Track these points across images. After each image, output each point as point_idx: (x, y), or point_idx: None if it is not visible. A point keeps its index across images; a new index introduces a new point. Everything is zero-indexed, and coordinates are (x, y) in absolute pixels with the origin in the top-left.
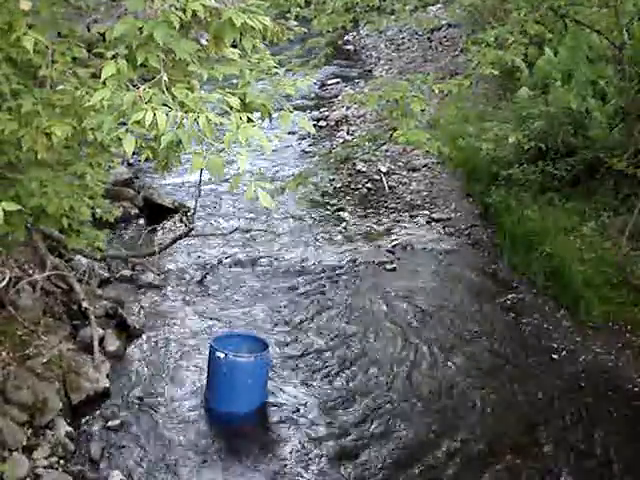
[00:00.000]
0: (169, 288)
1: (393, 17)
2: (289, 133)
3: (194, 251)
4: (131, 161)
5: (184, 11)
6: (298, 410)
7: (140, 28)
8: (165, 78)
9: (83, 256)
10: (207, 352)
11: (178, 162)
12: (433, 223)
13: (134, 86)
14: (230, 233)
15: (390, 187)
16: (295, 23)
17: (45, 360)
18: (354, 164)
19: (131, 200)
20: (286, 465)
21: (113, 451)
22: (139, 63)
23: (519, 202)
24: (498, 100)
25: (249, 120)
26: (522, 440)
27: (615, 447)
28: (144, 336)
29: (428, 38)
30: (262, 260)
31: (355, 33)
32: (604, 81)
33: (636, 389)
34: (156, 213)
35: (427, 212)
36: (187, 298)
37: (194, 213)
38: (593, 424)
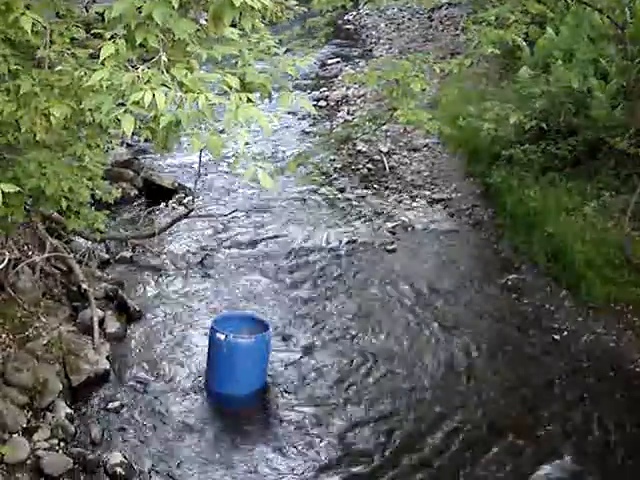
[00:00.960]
0: (169, 269)
1: None
2: (289, 113)
3: (194, 232)
4: (130, 142)
5: None
6: (298, 391)
7: (139, 8)
8: (164, 58)
9: (83, 237)
10: (207, 333)
11: (177, 142)
12: (434, 203)
13: (133, 67)
14: (230, 214)
15: (391, 167)
16: (295, 2)
17: (45, 342)
18: (354, 144)
19: (130, 181)
20: (286, 446)
21: (113, 433)
22: (138, 43)
23: (520, 182)
24: (499, 80)
25: (249, 100)
26: (523, 420)
27: (616, 427)
28: (144, 318)
29: (428, 17)
30: (262, 241)
31: (355, 12)
32: (606, 60)
33: (637, 369)
34: (156, 194)
35: (428, 192)
36: (187, 279)
37: (194, 194)
38: (594, 404)
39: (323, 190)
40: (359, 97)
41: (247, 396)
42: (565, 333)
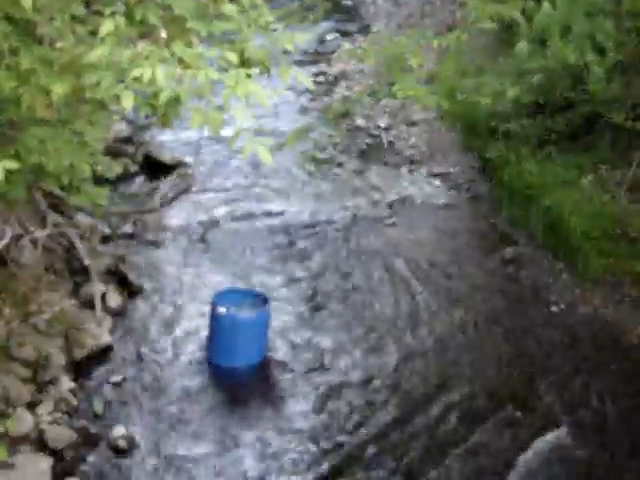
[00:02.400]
0: (170, 244)
1: None
2: (288, 89)
3: (194, 207)
4: (131, 118)
5: None
6: (297, 364)
7: None
8: (164, 35)
9: (84, 213)
10: (208, 308)
11: (177, 118)
12: (432, 177)
13: (132, 43)
14: (230, 189)
15: (389, 142)
16: None
17: (47, 317)
18: (353, 119)
19: (131, 157)
20: (286, 418)
21: (116, 406)
22: (137, 20)
23: (518, 156)
24: (496, 54)
25: (248, 76)
26: (521, 392)
27: (613, 399)
28: (145, 292)
29: None
30: (262, 216)
31: None
32: (602, 35)
33: (634, 341)
34: (156, 170)
35: (426, 167)
36: (188, 254)
37: (194, 169)
38: (591, 376)
39: (322, 165)
40: (357, 72)
41: (247, 369)
42: (562, 305)
